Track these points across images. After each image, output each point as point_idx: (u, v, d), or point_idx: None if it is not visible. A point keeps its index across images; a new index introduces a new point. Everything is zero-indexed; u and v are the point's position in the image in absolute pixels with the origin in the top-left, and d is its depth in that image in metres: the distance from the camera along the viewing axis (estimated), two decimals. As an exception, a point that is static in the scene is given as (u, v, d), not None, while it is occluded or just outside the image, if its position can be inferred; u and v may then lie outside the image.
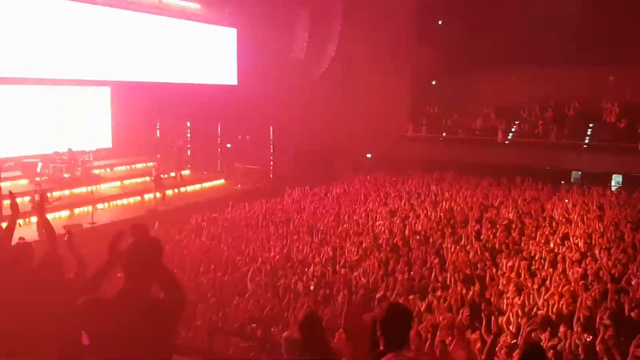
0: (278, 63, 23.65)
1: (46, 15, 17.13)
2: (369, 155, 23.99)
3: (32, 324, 3.90)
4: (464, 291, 8.55)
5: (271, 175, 22.00)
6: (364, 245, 11.41)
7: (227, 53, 23.89)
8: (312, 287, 9.13)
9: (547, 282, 8.98)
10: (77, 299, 3.10)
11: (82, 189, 17.07)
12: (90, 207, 15.65)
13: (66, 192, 16.47)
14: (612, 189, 18.07)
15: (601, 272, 9.34)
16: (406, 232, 12.25)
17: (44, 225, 4.93)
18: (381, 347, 3.31)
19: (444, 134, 22.48)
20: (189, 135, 22.20)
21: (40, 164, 16.84)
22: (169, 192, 17.89)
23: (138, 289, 3.02)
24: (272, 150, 22.26)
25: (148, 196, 17.78)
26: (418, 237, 11.84)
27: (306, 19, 23.97)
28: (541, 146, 20.26)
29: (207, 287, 9.58)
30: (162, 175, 17.63)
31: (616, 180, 19.22)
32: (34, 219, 12.65)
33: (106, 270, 3.64)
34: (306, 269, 10.08)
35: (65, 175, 16.98)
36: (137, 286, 3.02)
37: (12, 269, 4.16)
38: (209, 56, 23.09)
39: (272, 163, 22.24)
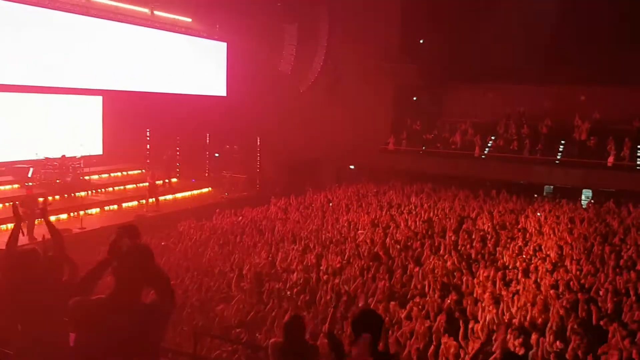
0: (266, 76, 24.27)
1: (41, 25, 17.47)
2: (352, 167, 24.53)
3: (33, 324, 4.08)
4: (441, 299, 8.83)
5: (257, 184, 22.40)
6: (346, 254, 11.60)
7: (217, 65, 24.45)
8: (294, 293, 9.29)
9: (521, 291, 9.24)
10: (69, 300, 3.11)
11: (72, 194, 17.35)
12: (80, 213, 15.97)
13: (56, 197, 16.79)
14: (582, 203, 18.80)
15: (571, 282, 9.63)
16: (387, 241, 12.46)
17: (49, 228, 4.99)
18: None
19: (424, 148, 23.11)
20: (178, 144, 22.53)
21: (31, 170, 17.08)
22: (161, 198, 18.24)
23: (128, 292, 3.01)
24: (258, 160, 22.64)
25: (135, 203, 18.17)
26: (398, 246, 12.08)
27: (293, 35, 24.61)
28: (516, 161, 20.83)
29: (192, 292, 9.64)
30: (157, 182, 18.00)
31: (586, 195, 19.86)
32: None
33: (99, 272, 3.64)
34: (290, 276, 10.19)
35: (57, 181, 17.29)
36: (127, 289, 3.02)
37: (19, 272, 4.25)
38: (200, 68, 23.64)
39: (258, 172, 22.64)
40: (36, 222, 12.92)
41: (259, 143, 22.67)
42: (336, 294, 9.08)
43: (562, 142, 21.37)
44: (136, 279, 3.05)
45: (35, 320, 4.07)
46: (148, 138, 22.34)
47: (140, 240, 4.11)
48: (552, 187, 20.68)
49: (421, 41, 24.42)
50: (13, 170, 17.27)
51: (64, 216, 15.80)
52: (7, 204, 15.34)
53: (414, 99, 25.84)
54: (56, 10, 17.83)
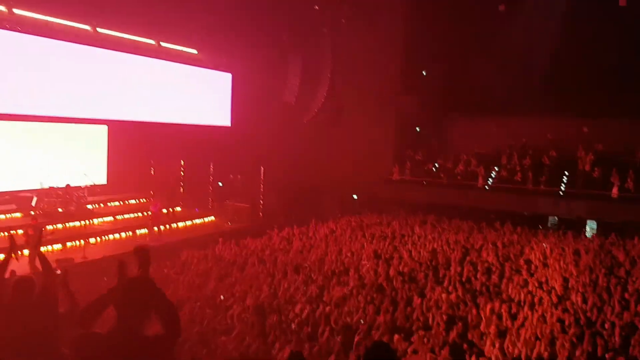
0: (270, 106, 24.50)
1: (47, 55, 17.78)
2: (355, 197, 24.56)
3: (26, 355, 3.97)
4: (446, 332, 8.68)
5: (261, 214, 22.40)
6: (349, 285, 11.48)
7: (222, 96, 24.73)
8: (296, 325, 9.15)
9: (526, 324, 9.13)
10: (69, 333, 3.14)
11: (75, 224, 17.34)
12: (82, 242, 15.94)
13: (59, 226, 16.79)
14: (587, 235, 18.72)
15: (577, 315, 9.55)
16: (390, 272, 12.37)
17: (41, 260, 4.94)
18: None
19: (427, 178, 23.15)
20: (182, 173, 22.63)
21: (35, 199, 17.14)
22: (164, 227, 18.24)
23: (130, 326, 2.99)
24: (262, 190, 22.70)
25: (138, 232, 18.16)
26: (402, 278, 11.97)
27: (297, 66, 24.94)
28: (519, 192, 20.84)
29: (193, 323, 9.45)
30: (160, 211, 18.02)
31: (590, 226, 19.78)
32: (26, 251, 12.93)
33: (101, 305, 3.57)
34: (292, 307, 10.06)
35: (60, 210, 17.31)
36: (129, 323, 3.00)
37: (11, 302, 4.20)
38: (204, 98, 23.92)
39: (261, 202, 22.65)
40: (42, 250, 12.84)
41: (262, 173, 22.75)
42: (339, 326, 8.95)
43: (566, 173, 21.36)
44: (139, 311, 3.02)
45: (27, 351, 3.99)
46: (152, 167, 22.45)
47: (147, 268, 3.90)
48: (556, 218, 20.62)
49: (423, 72, 24.69)
50: (17, 199, 17.33)
51: (69, 244, 15.82)
52: (11, 232, 15.37)
53: (417, 129, 25.99)
54: (62, 41, 18.12)
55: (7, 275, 5.07)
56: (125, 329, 2.96)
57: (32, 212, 16.44)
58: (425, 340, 8.39)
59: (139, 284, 3.14)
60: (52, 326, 3.94)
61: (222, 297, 10.86)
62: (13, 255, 5.25)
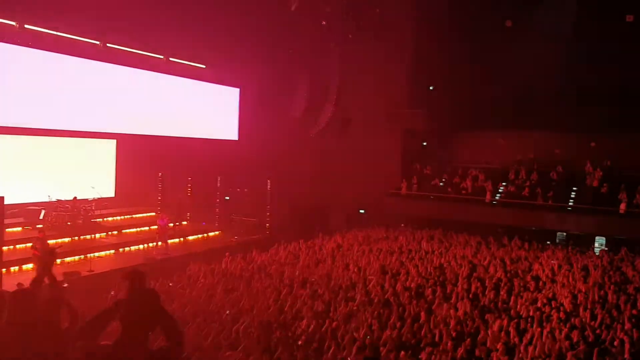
0: (277, 121, 24.63)
1: (56, 69, 18.03)
2: (362, 211, 24.53)
3: None
4: (453, 349, 8.62)
5: (267, 228, 22.38)
6: (356, 300, 11.44)
7: (230, 110, 24.91)
8: (302, 341, 9.05)
9: (535, 341, 9.04)
10: (72, 346, 3.09)
11: (83, 237, 17.39)
12: (89, 255, 15.98)
13: (67, 239, 16.86)
14: (595, 251, 18.58)
15: (586, 332, 9.48)
16: (397, 287, 12.33)
17: (48, 276, 4.88)
18: None
19: (435, 193, 23.09)
20: (189, 187, 22.69)
21: (43, 212, 17.23)
22: (171, 241, 18.27)
23: (133, 339, 3.03)
24: (268, 204, 22.71)
25: (145, 245, 18.18)
26: (409, 293, 11.93)
27: (304, 81, 25.09)
28: (527, 207, 20.77)
29: (199, 338, 9.40)
30: (168, 225, 18.06)
31: (599, 242, 19.65)
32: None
33: (104, 320, 3.57)
34: (298, 323, 10.02)
35: (68, 223, 17.38)
36: (133, 335, 3.03)
37: (11, 313, 4.09)
38: (212, 112, 24.10)
39: (268, 216, 22.64)
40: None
41: (269, 187, 22.75)
42: (345, 342, 8.89)
43: (574, 189, 21.26)
44: (142, 325, 3.04)
45: None
46: (160, 181, 22.53)
47: (147, 285, 3.90)
48: (564, 234, 20.49)
49: (431, 88, 24.74)
50: (25, 212, 17.40)
51: (76, 258, 15.80)
52: (17, 245, 15.47)
53: (424, 144, 26.00)
54: (72, 56, 18.33)
55: (19, 287, 5.06)
56: (129, 343, 2.98)
57: (40, 225, 16.51)
58: (432, 357, 8.33)
59: (143, 300, 3.15)
60: (54, 339, 3.82)
61: (228, 312, 10.81)
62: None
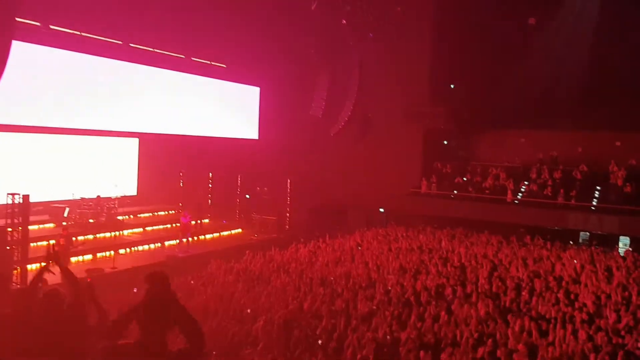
0: (297, 120, 24.70)
1: (80, 69, 18.31)
2: (381, 210, 24.47)
3: None
4: (474, 349, 8.58)
5: (287, 227, 22.48)
6: (375, 299, 11.42)
7: (250, 109, 25.07)
8: (322, 340, 9.13)
9: (557, 343, 8.96)
10: (97, 345, 3.18)
11: (106, 234, 17.69)
12: (112, 252, 16.24)
13: (90, 237, 17.16)
14: (620, 251, 18.27)
15: (609, 334, 9.33)
16: (417, 287, 12.28)
17: (67, 275, 4.92)
18: None
19: (455, 192, 22.93)
20: (210, 185, 22.91)
21: (67, 209, 17.55)
22: (192, 239, 18.46)
23: (152, 338, 3.08)
24: (288, 202, 22.80)
25: (167, 243, 18.41)
26: (429, 293, 11.89)
27: (325, 79, 25.10)
28: (550, 207, 20.48)
29: (219, 336, 9.51)
30: (191, 222, 18.25)
31: (623, 242, 19.35)
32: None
33: (130, 318, 3.65)
34: (318, 321, 10.01)
35: (91, 221, 17.68)
36: (152, 335, 3.09)
37: (41, 313, 4.21)
38: (233, 112, 24.29)
39: (288, 215, 22.74)
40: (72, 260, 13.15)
41: (289, 185, 22.86)
42: (364, 341, 8.89)
43: (598, 188, 20.92)
44: (162, 326, 3.09)
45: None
46: (181, 179, 22.78)
47: (167, 286, 3.94)
48: (587, 233, 20.18)
49: (452, 86, 24.54)
50: (50, 209, 17.74)
51: (99, 255, 16.15)
52: (43, 242, 15.75)
53: (445, 142, 25.82)
54: (95, 56, 18.60)
55: (40, 284, 5.13)
56: (149, 343, 3.04)
57: (64, 223, 16.81)
58: (453, 357, 8.28)
59: (162, 301, 3.19)
60: (81, 338, 3.94)
61: (248, 310, 10.89)
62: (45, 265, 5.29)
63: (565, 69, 20.81)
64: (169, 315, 3.14)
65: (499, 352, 8.59)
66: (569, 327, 9.80)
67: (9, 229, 12.60)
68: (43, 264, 5.19)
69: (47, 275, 5.29)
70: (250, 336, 9.60)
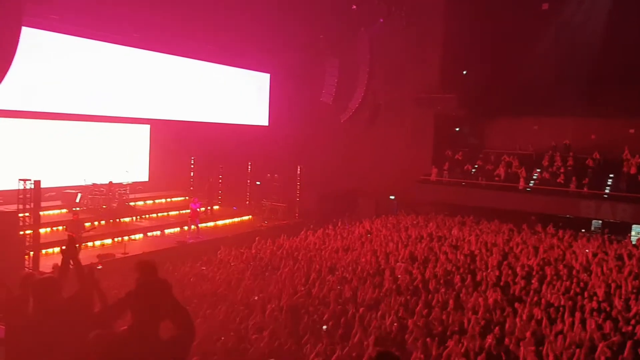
0: (308, 107, 24.64)
1: (94, 56, 18.38)
2: (391, 197, 24.42)
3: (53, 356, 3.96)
4: (482, 337, 8.54)
5: (297, 213, 22.53)
6: (383, 287, 11.41)
7: (260, 96, 25.05)
8: (329, 327, 9.14)
9: (566, 331, 8.91)
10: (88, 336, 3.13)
11: (118, 220, 17.88)
12: (124, 238, 16.41)
13: (102, 222, 17.33)
14: (632, 240, 18.09)
15: (619, 323, 9.30)
16: (426, 275, 12.27)
17: (75, 264, 4.89)
18: None
19: (466, 179, 22.78)
20: (220, 171, 22.98)
21: (79, 195, 17.73)
22: (202, 225, 18.57)
23: (145, 326, 3.05)
24: (298, 189, 22.82)
25: (178, 229, 18.53)
26: (438, 281, 11.88)
27: (335, 66, 24.96)
28: (562, 195, 20.31)
29: (227, 321, 9.60)
30: (199, 209, 18.37)
31: (636, 230, 19.16)
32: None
33: (120, 307, 3.67)
34: (325, 308, 10.05)
35: (103, 207, 17.84)
36: (144, 323, 3.06)
37: (39, 300, 4.15)
38: (243, 98, 24.27)
39: (298, 201, 22.78)
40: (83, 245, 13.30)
41: (299, 172, 22.85)
42: (371, 329, 8.92)
43: (611, 176, 20.67)
44: (153, 313, 3.09)
45: (59, 353, 4.00)
46: (192, 166, 22.87)
47: (157, 275, 3.93)
48: (600, 222, 19.99)
49: (464, 72, 24.27)
50: (62, 195, 17.92)
51: (108, 241, 16.29)
52: (54, 228, 15.94)
53: (456, 129, 25.61)
54: (107, 42, 18.64)
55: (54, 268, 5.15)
56: (140, 332, 3.04)
57: (76, 209, 16.99)
58: (460, 345, 8.27)
59: (154, 290, 3.19)
60: (85, 327, 3.78)
61: (256, 297, 10.95)
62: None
63: (579, 54, 20.45)
64: (159, 304, 3.12)
65: (507, 340, 8.57)
66: (578, 315, 9.76)
67: (21, 215, 12.74)
68: (63, 247, 5.14)
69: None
70: (259, 322, 9.62)
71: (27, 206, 12.85)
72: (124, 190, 18.87)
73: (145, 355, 3.02)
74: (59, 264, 5.13)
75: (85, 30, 17.92)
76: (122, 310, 3.64)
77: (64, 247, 5.17)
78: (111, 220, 17.65)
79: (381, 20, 23.99)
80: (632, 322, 9.48)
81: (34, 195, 12.93)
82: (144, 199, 20.62)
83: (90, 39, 18.17)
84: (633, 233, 19.10)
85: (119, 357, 3.02)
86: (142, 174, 21.55)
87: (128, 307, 3.34)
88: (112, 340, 3.10)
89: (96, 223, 16.43)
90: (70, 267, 4.90)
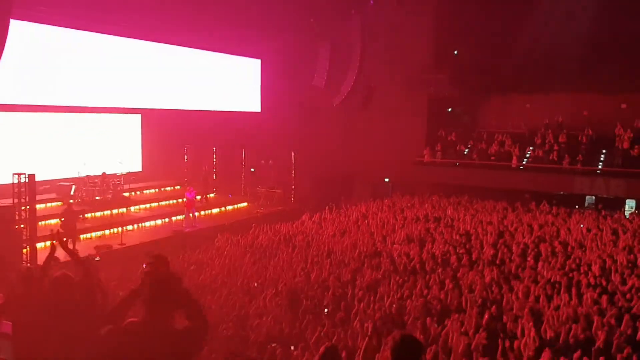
0: (300, 92, 24.49)
1: (83, 47, 18.16)
2: (386, 180, 24.47)
3: (64, 352, 4.00)
4: (479, 315, 8.54)
5: (292, 199, 22.55)
6: (382, 268, 11.48)
7: (252, 82, 24.86)
8: (328, 310, 9.21)
9: (562, 307, 8.94)
10: (100, 328, 3.16)
11: (113, 211, 17.83)
12: (120, 229, 16.38)
13: (97, 214, 17.31)
14: (626, 214, 18.25)
15: (616, 297, 9.35)
16: (423, 255, 12.33)
17: (74, 258, 4.99)
18: None
19: (460, 160, 22.85)
20: (214, 160, 22.93)
21: (74, 187, 17.66)
22: (198, 213, 18.56)
23: (158, 319, 3.07)
24: (293, 175, 22.81)
25: (173, 218, 18.53)
26: (435, 261, 11.95)
27: (326, 49, 24.79)
28: (555, 171, 20.44)
29: (228, 308, 9.68)
30: (197, 197, 18.36)
31: (629, 205, 19.37)
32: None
33: (131, 301, 3.69)
34: (325, 292, 10.09)
35: (97, 198, 17.79)
36: (157, 316, 3.07)
37: (53, 298, 4.25)
38: (234, 85, 24.09)
39: (293, 187, 22.78)
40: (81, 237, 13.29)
41: (293, 158, 22.83)
42: (371, 310, 8.99)
43: (603, 151, 20.80)
44: (166, 306, 3.11)
45: (70, 348, 4.01)
46: (186, 154, 22.79)
47: (168, 267, 4.03)
48: (593, 197, 20.15)
49: (455, 52, 24.21)
50: (56, 188, 17.84)
51: (107, 232, 16.32)
52: (51, 220, 15.88)
53: (449, 110, 25.62)
54: (96, 32, 18.41)
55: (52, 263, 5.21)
56: (153, 324, 3.06)
57: (71, 201, 16.93)
58: (458, 323, 8.35)
59: (165, 282, 3.22)
60: (93, 321, 3.86)
61: (256, 284, 11.01)
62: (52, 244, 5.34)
63: (570, 31, 20.44)
64: (172, 296, 3.15)
65: (505, 318, 8.64)
66: (574, 291, 9.85)
67: (19, 208, 12.72)
68: (51, 242, 5.26)
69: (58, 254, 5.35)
70: (258, 307, 9.70)
71: (23, 200, 12.81)
72: (118, 181, 18.82)
73: (161, 348, 3.04)
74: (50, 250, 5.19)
75: (73, 21, 17.68)
76: (133, 304, 3.65)
77: (54, 241, 5.21)
78: (107, 212, 17.60)
79: (371, 1, 23.80)
80: (628, 295, 9.56)
81: (29, 189, 12.89)
82: (139, 189, 20.56)
83: (78, 30, 17.93)
84: (627, 207, 19.27)
85: (134, 351, 3.03)
86: (135, 164, 21.45)
87: (140, 300, 3.36)
88: (126, 334, 3.12)
89: (88, 215, 16.41)
90: (60, 261, 4.91)
